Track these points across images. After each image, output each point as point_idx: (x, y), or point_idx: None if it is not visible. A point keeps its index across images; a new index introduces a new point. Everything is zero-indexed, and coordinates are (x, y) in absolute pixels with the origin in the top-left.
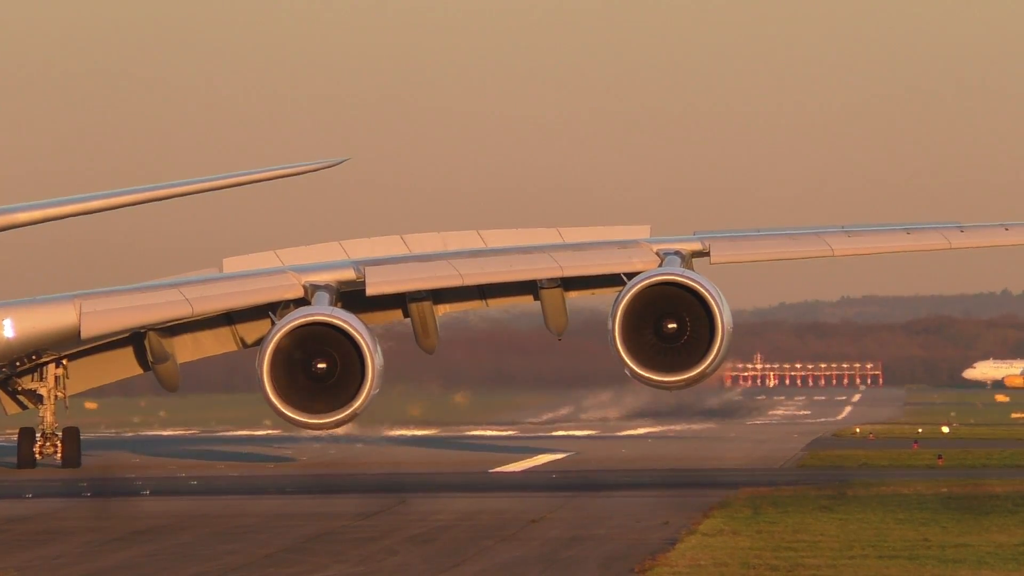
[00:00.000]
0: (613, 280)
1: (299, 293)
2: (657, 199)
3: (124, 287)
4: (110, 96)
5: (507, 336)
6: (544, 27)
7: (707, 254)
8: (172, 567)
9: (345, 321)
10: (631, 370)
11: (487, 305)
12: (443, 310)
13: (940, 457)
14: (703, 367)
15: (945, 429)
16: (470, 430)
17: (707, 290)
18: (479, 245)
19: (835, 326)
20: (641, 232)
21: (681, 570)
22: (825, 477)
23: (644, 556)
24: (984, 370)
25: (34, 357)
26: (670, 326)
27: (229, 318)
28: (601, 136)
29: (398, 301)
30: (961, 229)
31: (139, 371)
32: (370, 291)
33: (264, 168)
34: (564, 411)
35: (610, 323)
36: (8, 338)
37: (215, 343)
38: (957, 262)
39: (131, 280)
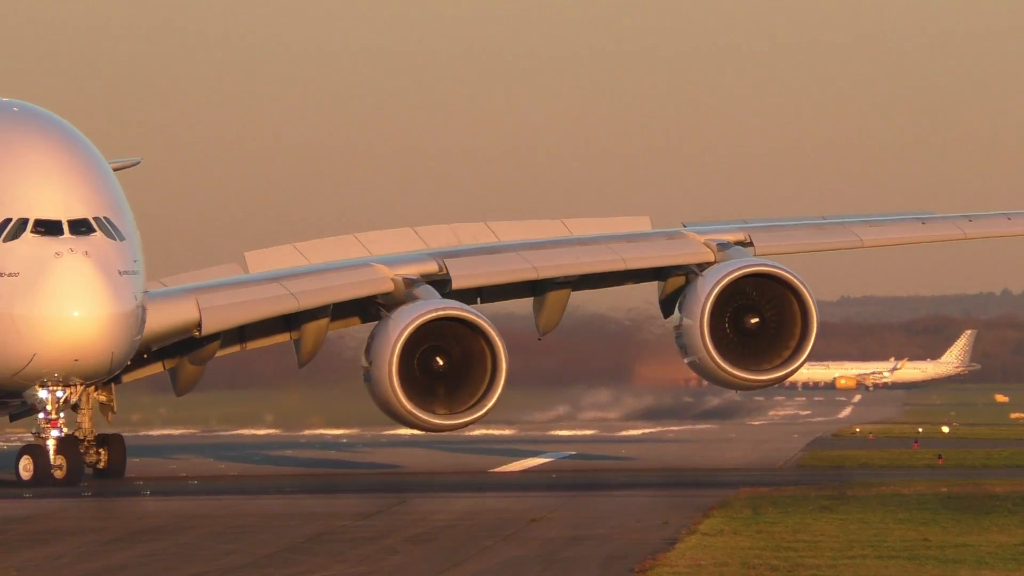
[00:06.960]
0: (620, 277)
1: (391, 287)
2: (651, 191)
3: (229, 280)
4: None
5: (506, 336)
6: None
7: (750, 244)
8: (172, 567)
9: (476, 316)
10: (721, 368)
11: (478, 304)
12: None
13: (940, 457)
14: (796, 364)
15: (945, 429)
16: (469, 430)
17: (801, 282)
18: (489, 237)
19: (835, 326)
20: (642, 224)
21: (681, 570)
22: (825, 477)
23: (644, 556)
24: (800, 372)
25: (145, 355)
26: (753, 320)
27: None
28: (595, 128)
29: None
30: (969, 219)
31: (158, 370)
32: (456, 284)
33: None
34: (563, 411)
35: (690, 319)
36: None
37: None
38: (957, 261)
39: None
